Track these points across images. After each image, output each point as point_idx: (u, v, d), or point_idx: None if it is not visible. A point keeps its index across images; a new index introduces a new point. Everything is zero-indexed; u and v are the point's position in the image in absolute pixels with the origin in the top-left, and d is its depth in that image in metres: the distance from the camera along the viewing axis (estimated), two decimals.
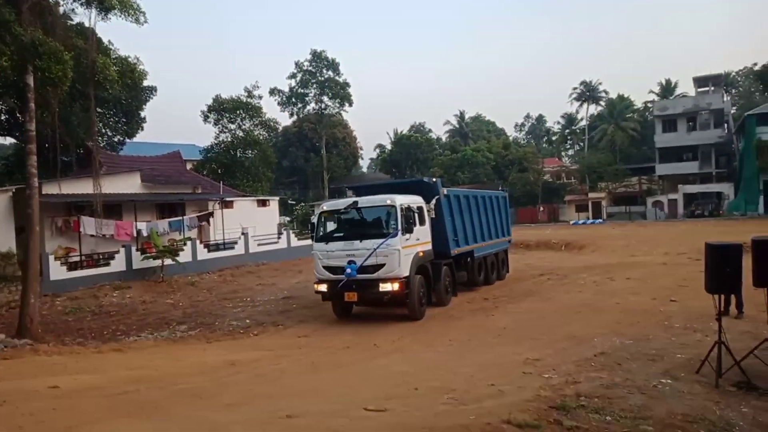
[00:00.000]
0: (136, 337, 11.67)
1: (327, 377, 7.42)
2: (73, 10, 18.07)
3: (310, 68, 56.15)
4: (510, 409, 5.46)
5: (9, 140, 29.74)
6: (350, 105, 57.60)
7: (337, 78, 56.32)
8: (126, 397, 5.75)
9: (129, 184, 24.13)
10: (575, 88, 68.37)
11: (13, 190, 19.74)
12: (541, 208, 54.31)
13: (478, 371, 7.56)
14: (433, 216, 13.40)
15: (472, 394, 6.29)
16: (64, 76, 13.21)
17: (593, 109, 69.86)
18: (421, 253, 12.59)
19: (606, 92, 68.07)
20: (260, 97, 41.92)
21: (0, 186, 21.47)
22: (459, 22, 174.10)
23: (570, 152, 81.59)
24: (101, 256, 20.32)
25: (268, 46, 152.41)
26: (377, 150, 77.84)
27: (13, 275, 17.38)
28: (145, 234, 22.27)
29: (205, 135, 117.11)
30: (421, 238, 12.70)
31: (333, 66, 56.22)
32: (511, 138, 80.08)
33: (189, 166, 35.30)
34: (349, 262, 11.76)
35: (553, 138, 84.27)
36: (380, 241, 11.62)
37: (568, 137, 77.47)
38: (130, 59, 18.23)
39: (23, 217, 13.83)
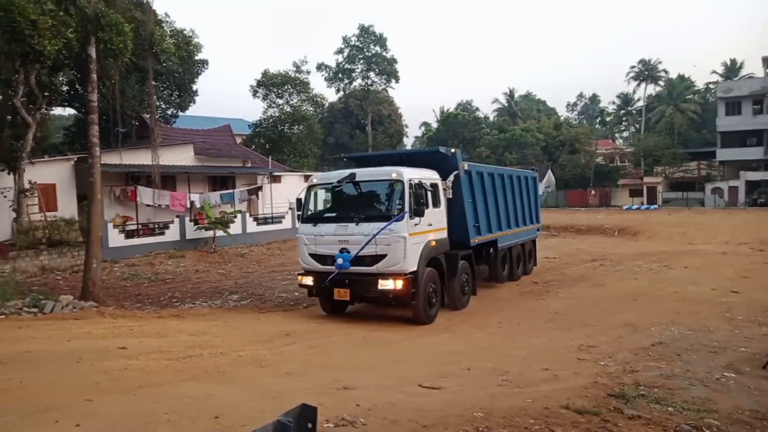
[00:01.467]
0: (191, 304, 12.09)
1: (379, 352, 7.50)
2: None
3: (357, 43, 55.87)
4: (567, 394, 5.39)
5: (69, 111, 30.99)
6: (397, 81, 57.21)
7: (384, 54, 55.87)
8: (191, 361, 5.98)
9: (182, 157, 24.79)
10: (633, 67, 65.45)
11: (75, 159, 20.63)
12: (593, 192, 52.81)
13: (530, 355, 7.49)
14: (450, 196, 10.92)
15: (526, 377, 6.24)
16: (125, 48, 13.58)
17: (651, 90, 66.87)
18: (434, 243, 10.12)
19: (666, 72, 64.90)
20: (308, 72, 42.08)
21: (62, 155, 22.47)
22: None
23: (625, 134, 78.83)
24: (157, 226, 21.07)
25: (317, 20, 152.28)
26: (422, 128, 77.22)
27: (75, 241, 18.26)
28: (198, 205, 22.93)
29: (253, 110, 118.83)
30: (435, 224, 10.25)
31: (380, 41, 55.75)
32: (562, 118, 77.81)
33: (238, 140, 35.93)
34: (342, 251, 9.51)
35: (607, 119, 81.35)
36: (381, 225, 9.27)
37: (624, 118, 74.63)
38: (185, 32, 18.58)
39: (85, 186, 14.46)
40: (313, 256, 10.04)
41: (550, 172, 57.62)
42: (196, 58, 27.11)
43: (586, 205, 50.38)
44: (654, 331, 8.91)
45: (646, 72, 65.12)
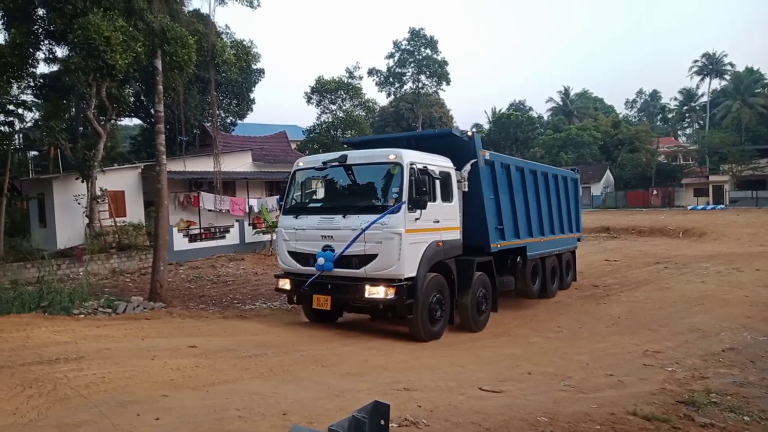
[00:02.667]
0: (252, 305, 12.48)
1: (437, 355, 7.52)
2: None
3: (408, 47, 56.00)
4: (634, 400, 5.25)
5: (135, 121, 32.70)
6: (448, 84, 56.87)
7: (435, 56, 55.72)
8: (256, 359, 6.21)
9: (241, 163, 25.63)
10: (696, 61, 62.61)
11: (142, 167, 21.74)
12: (655, 192, 50.72)
13: (593, 360, 7.32)
14: (466, 189, 9.23)
15: (589, 382, 6.11)
16: (189, 60, 14.20)
17: (716, 84, 63.61)
18: (440, 244, 8.47)
19: (732, 65, 61.65)
20: (360, 78, 42.57)
21: (129, 163, 23.72)
22: None
23: (688, 131, 75.33)
24: (218, 230, 21.90)
25: (368, 26, 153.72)
26: (474, 129, 76.37)
27: (142, 245, 19.24)
28: (256, 210, 23.65)
29: (307, 116, 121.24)
30: (444, 221, 8.66)
31: (431, 44, 55.65)
32: (621, 116, 75.23)
33: (293, 146, 36.78)
34: (325, 248, 8.04)
35: (669, 116, 78.08)
36: (373, 217, 7.71)
37: (686, 115, 71.26)
38: (244, 42, 19.25)
39: (151, 192, 15.22)
40: (293, 254, 8.53)
41: (608, 171, 55.80)
42: (254, 67, 28.03)
43: (647, 206, 48.42)
44: (724, 336, 8.52)
45: (711, 66, 62.02)
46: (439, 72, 55.76)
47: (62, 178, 20.00)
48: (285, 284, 8.79)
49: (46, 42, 16.92)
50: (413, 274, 7.87)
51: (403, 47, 56.12)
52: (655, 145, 56.03)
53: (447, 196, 8.87)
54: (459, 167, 9.26)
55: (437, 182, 8.52)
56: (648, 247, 23.21)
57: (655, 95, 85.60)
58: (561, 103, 73.58)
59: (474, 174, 9.36)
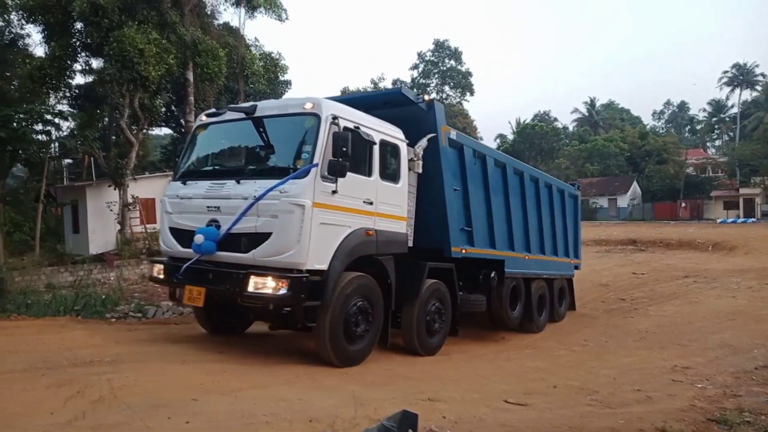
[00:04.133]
0: None
1: (461, 366, 7.51)
2: (224, 10, 19.86)
3: (432, 58, 56.37)
4: (663, 417, 5.16)
5: (165, 131, 33.46)
6: (472, 94, 57.08)
7: (459, 67, 55.97)
8: (282, 365, 6.30)
9: None
10: (725, 72, 61.48)
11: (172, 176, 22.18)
12: (683, 204, 49.72)
13: (620, 374, 7.23)
14: (420, 171, 7.52)
15: (617, 397, 6.04)
16: (220, 72, 14.61)
17: (747, 95, 62.29)
18: (371, 233, 6.61)
19: (764, 76, 60.35)
20: (385, 89, 42.91)
21: (160, 172, 24.28)
22: (591, 2, 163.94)
23: (717, 143, 73.75)
24: None
25: (393, 37, 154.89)
26: (498, 140, 76.16)
27: None
28: None
29: None
30: (381, 205, 6.80)
31: (455, 55, 55.91)
32: (648, 127, 74.10)
33: None
34: (210, 223, 6.15)
35: (698, 127, 76.56)
36: (272, 183, 5.85)
37: (716, 126, 69.92)
38: (273, 54, 19.67)
39: None
40: (174, 231, 6.58)
41: (635, 183, 54.93)
42: (282, 78, 28.60)
43: (675, 218, 47.47)
44: (757, 353, 8.32)
45: (741, 77, 60.81)
46: (463, 83, 55.90)
47: (95, 186, 20.59)
48: (158, 271, 6.78)
49: (83, 54, 17.59)
50: (322, 266, 5.89)
51: (427, 58, 56.48)
52: (683, 157, 55.00)
53: (390, 174, 7.05)
54: (412, 141, 7.49)
55: (375, 151, 6.69)
56: (676, 260, 22.76)
57: (683, 106, 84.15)
58: (586, 113, 72.86)
59: (434, 155, 7.64)
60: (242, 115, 6.49)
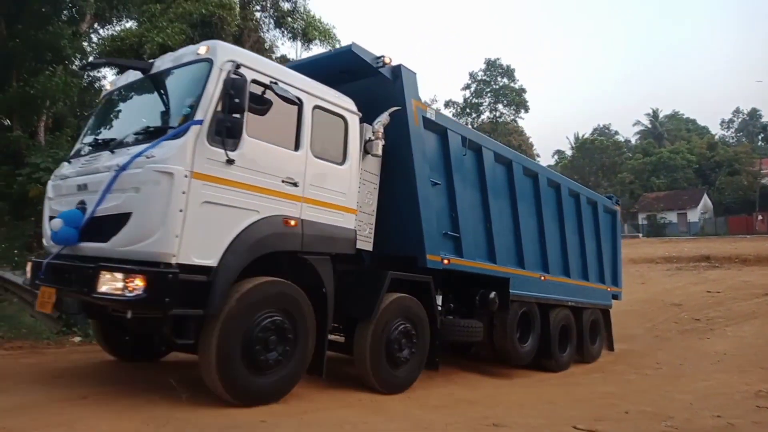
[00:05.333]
0: None
1: (526, 391, 7.33)
2: (281, 44, 20.71)
3: (484, 77, 56.19)
4: None
5: None
6: (526, 111, 56.34)
7: (512, 85, 55.47)
8: (343, 390, 6.35)
9: None
10: None
11: None
12: (760, 217, 46.70)
13: (697, 399, 6.83)
14: (379, 153, 6.16)
15: (694, 424, 5.71)
16: None
17: None
18: (293, 223, 5.19)
19: None
20: (438, 110, 43.08)
21: None
22: (650, 8, 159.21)
23: None
24: None
25: (443, 60, 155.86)
26: (555, 156, 74.60)
27: None
28: None
29: None
30: (312, 188, 5.42)
31: (508, 73, 55.51)
32: (716, 137, 70.49)
33: None
34: (79, 206, 4.86)
35: None
36: (139, 149, 4.58)
37: None
38: None
39: None
40: (52, 218, 5.06)
41: (705, 196, 52.22)
42: None
43: (751, 232, 44.57)
44: None
45: None
46: (517, 100, 55.32)
47: None
48: (28, 273, 5.50)
49: None
50: (207, 261, 4.47)
51: (479, 78, 56.38)
52: (757, 167, 51.81)
53: (330, 153, 5.67)
54: (368, 117, 6.14)
55: (306, 119, 5.36)
56: (754, 277, 21.31)
57: (754, 114, 79.49)
58: (649, 125, 70.25)
59: (402, 137, 6.33)
60: (140, 76, 5.43)
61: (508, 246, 8.14)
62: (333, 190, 5.67)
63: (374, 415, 5.25)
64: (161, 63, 5.33)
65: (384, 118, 6.16)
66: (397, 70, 6.41)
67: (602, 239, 10.59)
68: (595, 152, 59.03)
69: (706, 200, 52.15)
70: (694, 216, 50.59)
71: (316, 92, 5.64)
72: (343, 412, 5.24)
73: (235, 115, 4.55)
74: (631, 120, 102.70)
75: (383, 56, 6.27)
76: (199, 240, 4.45)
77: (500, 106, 56.30)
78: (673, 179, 53.10)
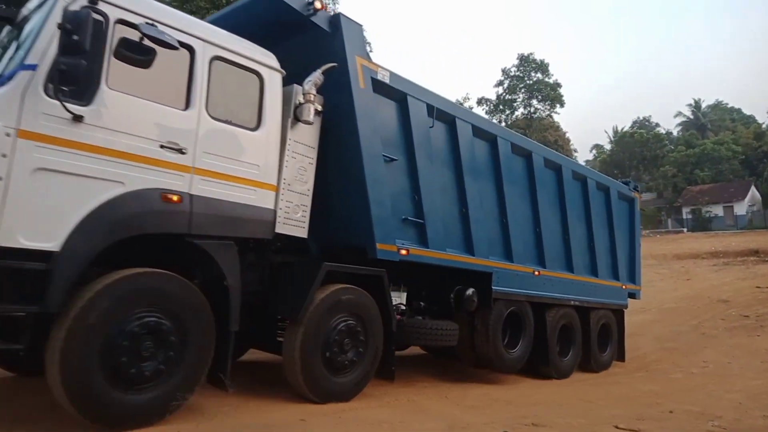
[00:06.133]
0: None
1: (565, 390, 7.22)
2: None
3: (517, 73, 55.49)
4: None
5: None
6: (561, 106, 55.38)
7: (546, 80, 54.60)
8: (381, 388, 6.39)
9: None
10: None
11: None
12: None
13: (747, 399, 6.60)
14: (310, 120, 5.19)
15: (744, 423, 5.52)
16: None
17: None
18: (176, 198, 4.27)
19: None
20: (470, 108, 42.81)
21: None
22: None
23: None
24: None
25: (476, 57, 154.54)
26: (594, 151, 72.96)
27: None
28: None
29: None
30: (204, 156, 4.47)
31: (542, 67, 54.68)
32: (764, 126, 67.55)
33: None
34: None
35: None
36: None
37: None
38: None
39: None
40: None
41: (753, 188, 50.15)
42: None
43: None
44: None
45: None
46: (552, 95, 54.43)
47: None
48: None
49: None
50: (42, 244, 3.62)
51: (512, 74, 55.70)
52: None
53: (241, 115, 4.81)
54: (297, 74, 5.23)
55: (198, 70, 4.47)
56: None
57: None
58: (692, 116, 67.88)
59: (344, 102, 5.46)
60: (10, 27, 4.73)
61: (491, 235, 7.11)
62: (240, 161, 4.71)
63: (411, 414, 5.27)
64: (25, 9, 4.51)
65: (315, 77, 5.23)
66: (336, 20, 5.52)
67: (616, 230, 9.46)
68: (635, 146, 57.46)
69: (753, 192, 50.04)
70: (741, 209, 48.60)
71: (215, 40, 4.65)
72: (379, 412, 5.28)
73: (74, 58, 3.53)
74: (672, 111, 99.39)
75: (316, 1, 5.31)
76: (30, 217, 3.57)
77: (534, 102, 55.54)
78: (718, 171, 51.18)
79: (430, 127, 6.39)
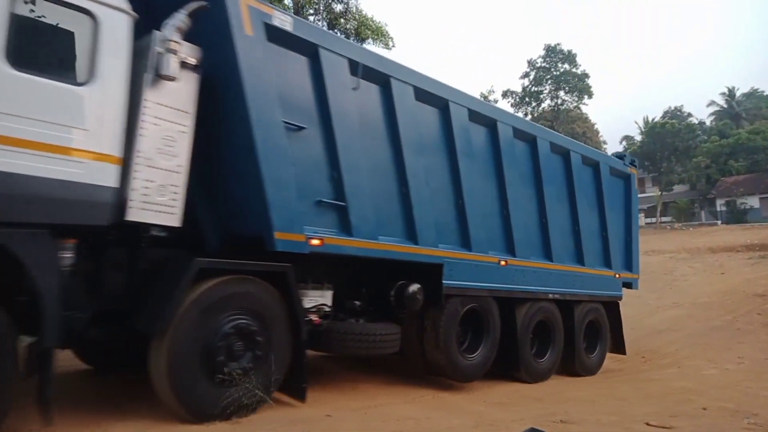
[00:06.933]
0: None
1: (595, 387, 7.12)
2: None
3: (543, 64, 54.61)
4: None
5: None
6: (590, 97, 54.29)
7: (574, 70, 53.56)
8: (408, 385, 6.41)
9: None
10: None
11: None
12: None
13: None
14: (170, 75, 4.15)
15: None
16: None
17: None
18: None
19: None
20: (495, 101, 42.39)
21: None
22: None
23: None
24: None
25: (499, 49, 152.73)
26: (624, 143, 71.37)
27: None
28: None
29: None
30: (13, 121, 3.47)
31: (569, 58, 53.66)
32: None
33: None
34: None
35: None
36: None
37: None
38: None
39: None
40: None
41: None
42: None
43: None
44: None
45: None
46: (580, 86, 53.41)
47: None
48: None
49: None
50: None
51: (538, 65, 54.81)
52: None
53: (61, 65, 3.87)
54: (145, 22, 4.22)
55: None
56: None
57: None
58: (725, 105, 65.84)
59: (226, 53, 4.47)
60: None
61: (442, 220, 6.07)
62: (56, 124, 3.69)
63: (437, 411, 5.27)
64: None
65: (179, 20, 4.19)
66: None
67: (608, 211, 8.36)
68: (666, 136, 55.88)
69: None
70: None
71: None
72: (405, 408, 5.30)
73: None
74: (705, 101, 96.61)
75: None
76: None
77: (562, 93, 54.59)
78: (753, 161, 49.49)
79: (354, 89, 5.29)
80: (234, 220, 4.98)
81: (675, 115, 70.05)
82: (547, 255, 7.36)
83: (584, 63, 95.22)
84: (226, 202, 4.99)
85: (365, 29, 19.07)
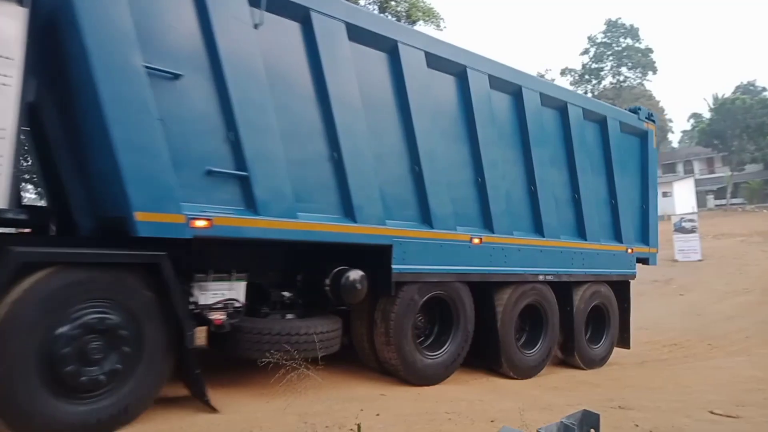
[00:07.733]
0: None
1: (658, 374, 6.92)
2: None
3: (604, 40, 52.39)
4: None
5: None
6: (654, 73, 51.93)
7: (637, 45, 51.12)
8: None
9: None
10: None
11: None
12: None
13: None
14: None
15: None
16: None
17: None
18: None
19: None
20: (553, 80, 41.09)
21: None
22: None
23: None
24: None
25: (557, 26, 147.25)
26: (691, 120, 67.65)
27: None
28: None
29: None
30: None
31: (631, 32, 51.30)
32: None
33: None
34: None
35: None
36: None
37: None
38: None
39: None
40: None
41: None
42: None
43: None
44: None
45: None
46: (643, 61, 51.02)
47: None
48: None
49: None
50: None
51: (598, 41, 52.67)
52: None
53: None
54: None
55: None
56: None
57: None
58: None
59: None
60: None
61: (390, 191, 5.00)
62: None
63: (490, 393, 5.28)
64: None
65: None
66: None
67: (617, 175, 7.14)
68: (737, 113, 52.47)
69: None
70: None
71: None
72: (458, 389, 5.34)
73: None
74: None
75: None
76: None
77: (624, 70, 52.36)
78: None
79: (257, 26, 4.17)
80: (100, 199, 4.09)
81: (747, 89, 65.56)
82: (537, 229, 6.24)
83: (648, 37, 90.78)
84: (91, 178, 4.10)
85: (416, 11, 18.90)
